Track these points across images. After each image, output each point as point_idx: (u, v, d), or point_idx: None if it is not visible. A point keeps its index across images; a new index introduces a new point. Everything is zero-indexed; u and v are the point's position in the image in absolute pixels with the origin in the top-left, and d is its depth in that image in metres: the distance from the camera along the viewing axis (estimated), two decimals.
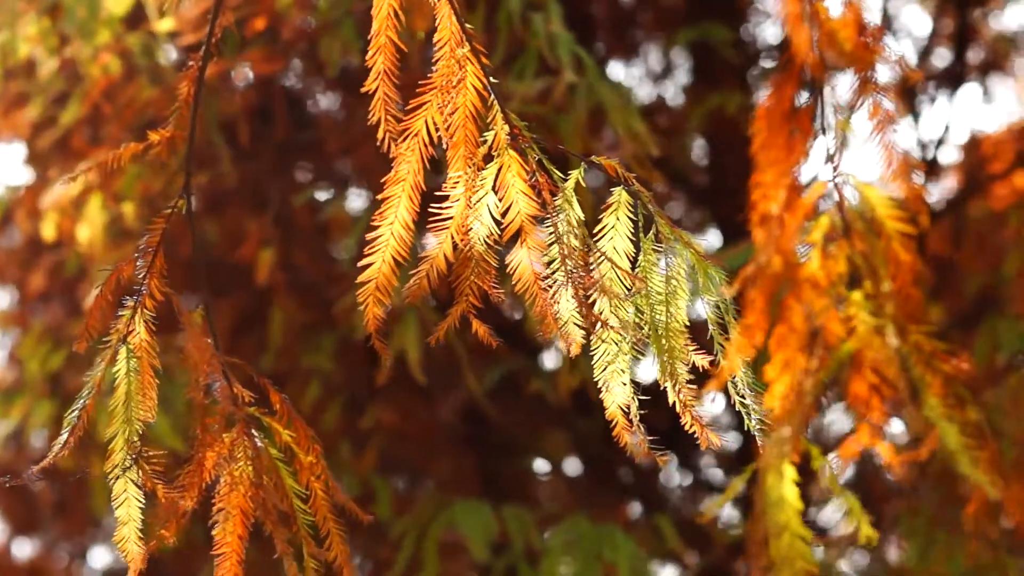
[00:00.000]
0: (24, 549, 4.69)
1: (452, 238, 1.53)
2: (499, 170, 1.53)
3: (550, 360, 4.12)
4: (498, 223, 1.54)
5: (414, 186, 1.52)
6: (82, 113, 3.36)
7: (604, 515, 3.76)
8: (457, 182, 1.53)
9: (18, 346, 4.03)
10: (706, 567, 4.18)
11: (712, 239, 4.29)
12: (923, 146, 4.27)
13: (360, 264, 1.54)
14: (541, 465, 4.38)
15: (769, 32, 4.54)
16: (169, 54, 3.45)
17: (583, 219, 1.54)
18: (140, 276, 1.65)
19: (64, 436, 1.63)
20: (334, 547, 1.62)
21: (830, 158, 1.49)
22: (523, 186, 1.53)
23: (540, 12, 2.93)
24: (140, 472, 1.60)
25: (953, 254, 4.10)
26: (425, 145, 1.52)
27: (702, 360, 1.60)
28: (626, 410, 1.60)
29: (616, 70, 4.41)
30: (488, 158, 1.54)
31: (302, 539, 1.60)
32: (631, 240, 1.59)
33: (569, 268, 1.51)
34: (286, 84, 3.91)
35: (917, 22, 5.16)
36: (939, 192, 4.42)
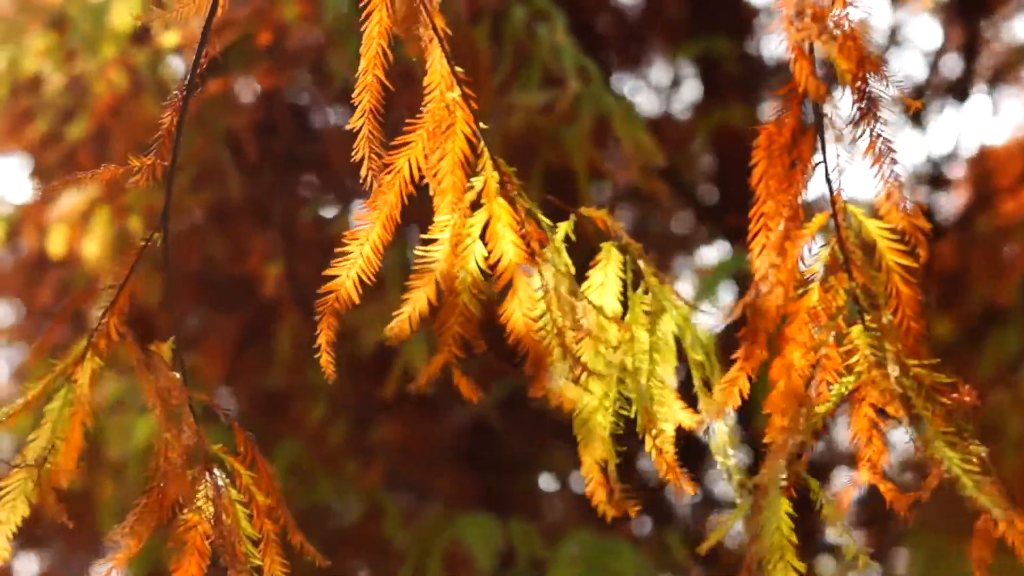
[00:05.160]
0: (29, 565, 4.68)
1: (436, 283, 1.52)
2: (488, 219, 1.53)
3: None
4: (484, 273, 1.53)
5: (389, 217, 1.51)
6: (89, 129, 3.36)
7: (611, 530, 3.75)
8: (444, 228, 1.52)
9: (24, 362, 4.03)
10: None
11: (720, 252, 4.28)
12: (932, 160, 4.27)
13: (325, 273, 1.53)
14: (547, 481, 4.37)
15: (773, 46, 4.54)
16: (175, 69, 3.45)
17: (572, 270, 1.53)
18: (100, 315, 1.58)
19: None
20: None
21: (831, 189, 1.48)
22: (514, 236, 1.51)
23: (545, 23, 2.93)
24: (36, 487, 1.57)
25: (962, 267, 4.10)
26: (406, 182, 1.50)
27: (688, 419, 1.59)
28: (603, 465, 1.60)
29: (622, 84, 4.41)
30: (476, 205, 1.53)
31: None
32: (620, 299, 1.59)
33: (557, 319, 1.50)
34: (292, 98, 3.92)
35: (927, 32, 5.15)
36: (948, 205, 4.41)
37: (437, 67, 1.51)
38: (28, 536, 4.46)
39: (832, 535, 4.42)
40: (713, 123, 4.03)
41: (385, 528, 3.79)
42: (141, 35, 3.25)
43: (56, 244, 3.53)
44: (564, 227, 1.56)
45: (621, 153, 3.09)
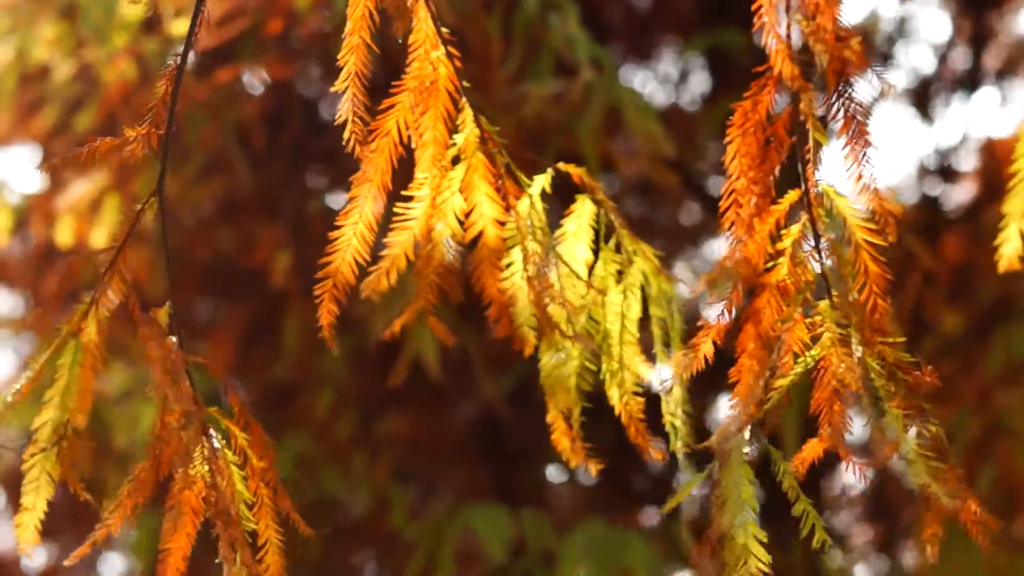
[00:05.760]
0: (36, 557, 4.67)
1: (414, 237, 1.51)
2: (466, 172, 1.52)
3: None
4: (462, 225, 1.52)
5: (380, 186, 1.50)
6: (97, 118, 3.35)
7: (620, 521, 3.74)
8: (423, 183, 1.51)
9: (32, 353, 4.02)
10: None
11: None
12: (940, 151, 4.27)
13: (321, 261, 1.52)
14: (555, 472, 4.36)
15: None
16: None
17: (546, 225, 1.53)
18: (101, 272, 1.60)
19: None
20: (269, 556, 1.59)
21: (804, 168, 1.49)
22: (488, 189, 1.52)
23: (557, 12, 2.92)
24: (58, 462, 1.57)
25: (970, 260, 4.09)
26: (395, 145, 1.50)
27: (645, 371, 1.60)
28: (568, 415, 1.60)
29: (631, 75, 4.40)
30: (457, 161, 1.53)
31: (240, 545, 1.56)
32: (592, 249, 1.59)
33: (527, 273, 1.50)
34: (301, 90, 3.91)
35: (935, 24, 5.15)
36: (957, 198, 4.41)
37: (422, 26, 1.50)
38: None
39: (839, 526, 4.43)
40: (722, 115, 4.01)
41: (393, 520, 3.78)
42: (152, 24, 3.25)
43: (64, 234, 3.52)
44: (540, 180, 1.56)
45: (631, 144, 3.09)
